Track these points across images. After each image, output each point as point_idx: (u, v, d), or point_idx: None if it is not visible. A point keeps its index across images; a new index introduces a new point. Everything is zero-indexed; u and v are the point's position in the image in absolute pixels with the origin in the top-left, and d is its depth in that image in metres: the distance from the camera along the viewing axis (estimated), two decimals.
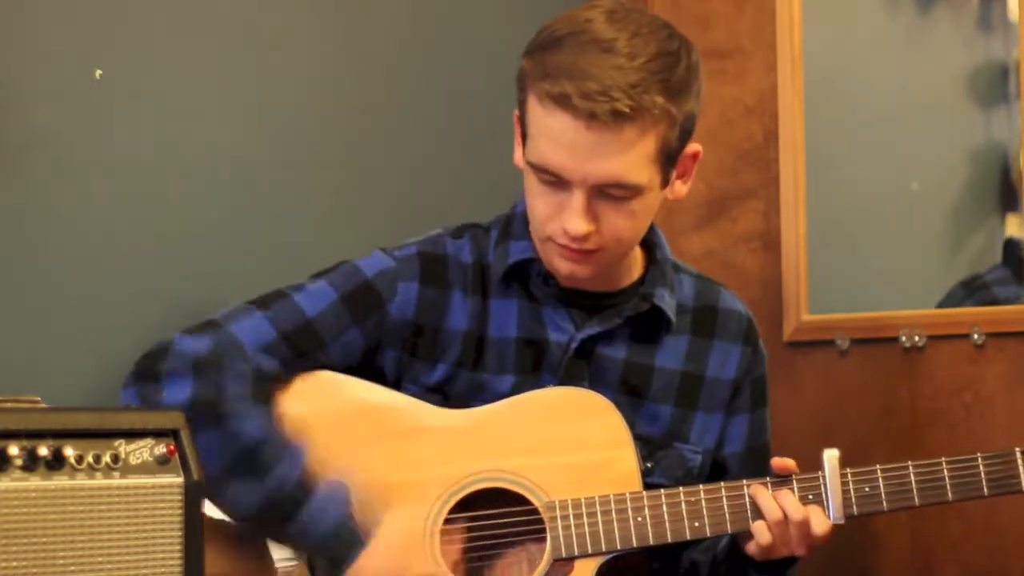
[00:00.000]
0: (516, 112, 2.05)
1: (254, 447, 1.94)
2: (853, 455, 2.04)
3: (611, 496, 1.98)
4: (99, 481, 1.65)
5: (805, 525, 1.97)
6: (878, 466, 2.00)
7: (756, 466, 2.13)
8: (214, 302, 2.14)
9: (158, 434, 1.71)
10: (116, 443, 1.68)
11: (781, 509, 1.97)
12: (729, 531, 2.00)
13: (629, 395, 2.10)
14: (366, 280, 2.08)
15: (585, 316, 2.11)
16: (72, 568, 1.62)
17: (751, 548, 2.00)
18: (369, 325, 2.07)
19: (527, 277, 2.11)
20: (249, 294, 2.10)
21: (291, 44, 2.51)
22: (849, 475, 2.00)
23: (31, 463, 1.62)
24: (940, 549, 2.50)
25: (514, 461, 1.99)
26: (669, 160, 1.99)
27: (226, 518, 1.97)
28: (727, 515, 1.99)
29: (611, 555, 1.98)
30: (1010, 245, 2.57)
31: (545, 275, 2.10)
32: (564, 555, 1.97)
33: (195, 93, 2.38)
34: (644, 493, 1.99)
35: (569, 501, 1.98)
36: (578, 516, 1.98)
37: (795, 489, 1.99)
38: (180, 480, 1.70)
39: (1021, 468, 2.00)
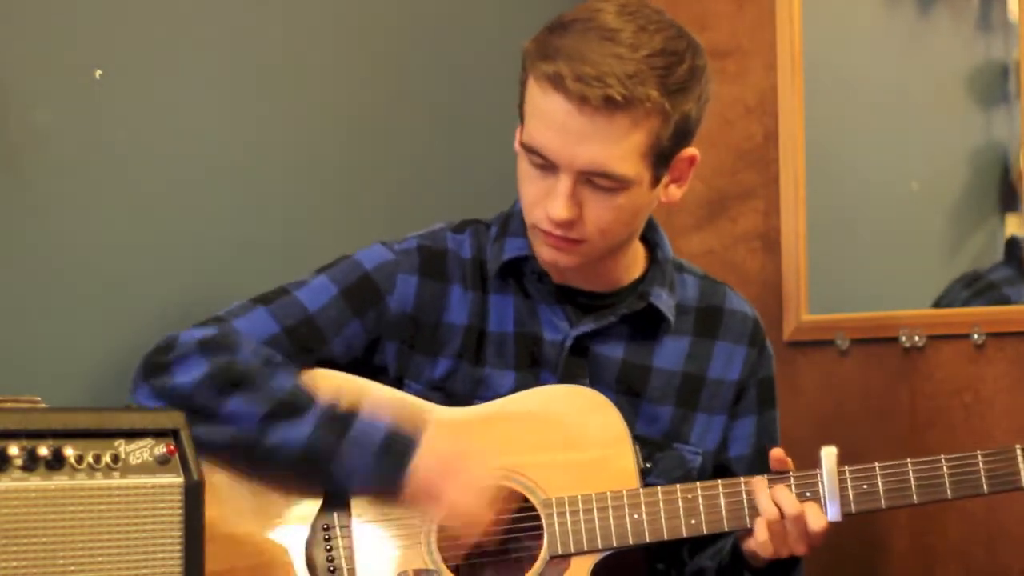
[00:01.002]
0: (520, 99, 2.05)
1: (289, 392, 1.95)
2: (853, 455, 2.04)
3: (608, 493, 1.98)
4: (99, 481, 1.66)
5: (801, 521, 1.96)
6: (876, 464, 2.00)
7: (764, 470, 2.12)
8: (215, 302, 2.14)
9: (158, 434, 1.71)
10: (116, 443, 1.68)
11: (777, 505, 1.97)
12: (726, 528, 2.00)
13: (627, 395, 2.10)
14: (365, 273, 2.09)
15: (580, 314, 2.11)
16: (72, 568, 1.63)
17: (750, 546, 1.99)
18: (369, 318, 2.08)
19: (522, 274, 2.12)
20: (250, 294, 2.10)
21: (291, 44, 2.51)
22: (847, 473, 2.00)
23: (31, 463, 1.62)
24: (941, 549, 2.50)
25: (512, 459, 2.00)
26: (661, 159, 1.99)
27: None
28: (724, 512, 1.99)
29: (607, 552, 1.98)
30: (1013, 244, 2.57)
31: (540, 273, 2.10)
32: (560, 552, 1.97)
33: (195, 93, 2.38)
34: (641, 490, 1.99)
35: (566, 498, 1.98)
36: (575, 513, 1.98)
37: (792, 487, 1.99)
38: (180, 480, 1.70)
39: (1021, 465, 2.00)
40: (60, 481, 1.63)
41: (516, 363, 2.09)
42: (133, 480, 1.68)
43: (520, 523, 1.99)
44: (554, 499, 1.98)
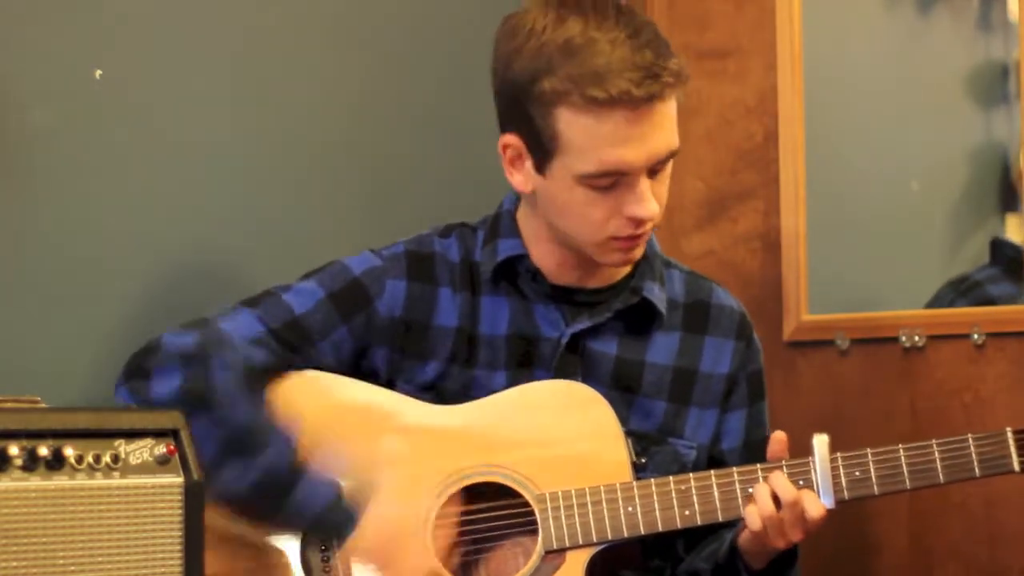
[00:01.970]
0: (507, 140, 2.05)
1: (245, 430, 1.95)
2: None
3: (601, 487, 1.99)
4: (99, 481, 1.66)
5: (797, 507, 1.96)
6: (868, 449, 2.00)
7: (755, 461, 2.13)
8: (215, 302, 2.14)
9: (158, 434, 1.71)
10: (116, 443, 1.68)
11: (772, 492, 1.97)
12: (720, 519, 2.00)
13: (622, 391, 2.11)
14: (354, 278, 2.10)
15: (575, 312, 2.12)
16: (72, 568, 1.63)
17: (744, 536, 2.00)
18: (357, 323, 2.08)
19: (516, 274, 2.12)
20: (251, 293, 2.10)
21: (291, 44, 2.51)
22: (839, 459, 2.00)
23: (31, 463, 1.62)
24: (941, 549, 2.50)
25: (505, 455, 2.00)
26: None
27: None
28: (717, 502, 1.99)
29: (602, 546, 1.98)
30: (998, 244, 2.58)
31: (534, 272, 2.11)
32: (555, 547, 1.98)
33: (195, 93, 2.38)
34: (634, 483, 2.00)
35: (559, 493, 1.99)
36: (568, 508, 1.98)
37: (785, 475, 1.99)
38: (180, 480, 1.70)
39: (1012, 448, 2.00)
40: (60, 481, 1.63)
41: (509, 363, 2.10)
42: (133, 480, 1.68)
43: (514, 519, 1.99)
44: (547, 494, 1.99)
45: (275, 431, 1.97)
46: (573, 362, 2.10)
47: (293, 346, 2.05)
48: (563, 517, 1.98)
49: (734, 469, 2.01)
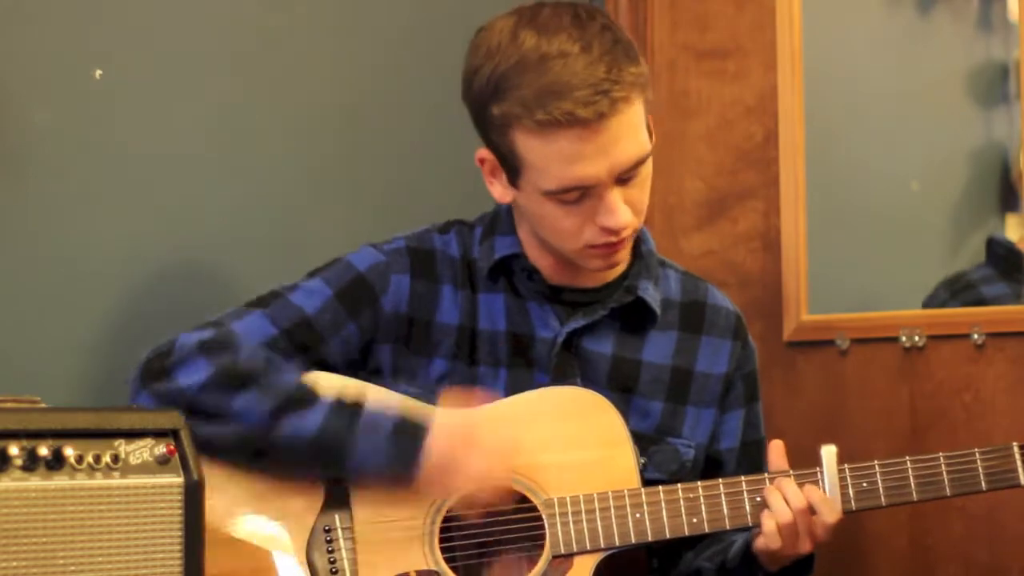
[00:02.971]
0: (483, 155, 2.07)
1: (295, 387, 1.96)
2: (853, 455, 2.04)
3: (609, 493, 1.99)
4: (99, 481, 1.66)
5: (806, 513, 1.97)
6: (876, 461, 2.01)
7: (752, 460, 2.16)
8: (215, 302, 2.14)
9: (158, 434, 1.71)
10: (116, 443, 1.68)
11: (786, 500, 1.97)
12: (728, 527, 2.00)
13: (619, 391, 2.11)
14: (359, 274, 2.10)
15: (570, 311, 2.12)
16: (72, 568, 1.63)
17: (759, 543, 2.00)
18: (364, 319, 2.08)
19: (512, 273, 2.13)
20: (251, 294, 2.10)
21: (291, 44, 2.51)
22: (847, 470, 2.01)
23: (31, 463, 1.62)
24: (941, 549, 2.50)
25: (514, 460, 2.00)
26: (646, 112, 2.04)
27: None
28: (725, 511, 2.00)
29: (609, 552, 1.99)
30: (993, 244, 2.58)
31: (530, 271, 2.12)
32: (563, 552, 1.98)
33: (194, 93, 2.38)
34: (642, 490, 2.00)
35: (568, 498, 1.99)
36: (576, 513, 1.98)
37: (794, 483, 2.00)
38: (180, 480, 1.70)
39: (1019, 462, 2.01)
40: (60, 481, 1.63)
41: (508, 361, 2.11)
42: (133, 480, 1.68)
43: (522, 523, 1.99)
44: (556, 499, 1.99)
45: (319, 387, 1.98)
46: (571, 362, 2.10)
47: (305, 347, 2.05)
48: (571, 522, 1.98)
49: (742, 478, 2.01)
